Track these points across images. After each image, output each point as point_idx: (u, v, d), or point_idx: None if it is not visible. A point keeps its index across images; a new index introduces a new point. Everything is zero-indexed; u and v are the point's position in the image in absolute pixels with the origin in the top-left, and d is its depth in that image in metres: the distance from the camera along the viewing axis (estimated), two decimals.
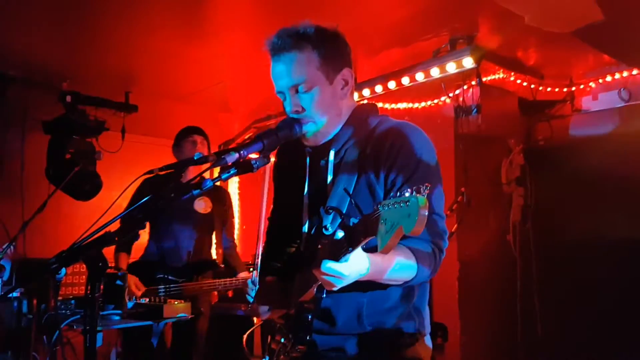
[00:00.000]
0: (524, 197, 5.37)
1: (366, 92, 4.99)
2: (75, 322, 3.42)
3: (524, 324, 5.21)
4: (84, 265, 1.65)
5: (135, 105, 5.53)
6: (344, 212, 1.79)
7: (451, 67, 4.41)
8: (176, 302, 3.77)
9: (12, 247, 3.71)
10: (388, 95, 5.05)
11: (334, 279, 1.56)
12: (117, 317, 3.61)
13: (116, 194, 1.98)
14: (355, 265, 1.57)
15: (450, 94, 4.91)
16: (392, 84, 4.79)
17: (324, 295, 1.78)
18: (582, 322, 4.75)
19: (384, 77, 4.83)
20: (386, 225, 1.35)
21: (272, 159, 2.05)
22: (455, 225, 4.32)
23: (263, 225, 4.02)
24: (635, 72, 4.94)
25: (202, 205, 4.28)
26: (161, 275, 4.06)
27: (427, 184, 1.33)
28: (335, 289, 1.61)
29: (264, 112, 5.84)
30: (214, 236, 4.39)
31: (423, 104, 5.25)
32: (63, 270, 3.71)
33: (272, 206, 2.32)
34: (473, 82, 4.75)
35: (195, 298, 4.00)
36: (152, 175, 1.80)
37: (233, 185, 6.97)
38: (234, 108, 6.45)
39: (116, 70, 5.17)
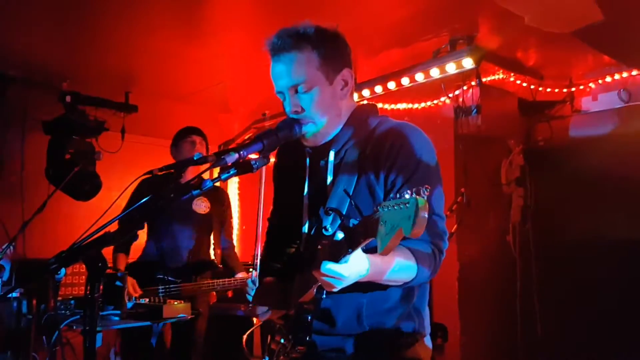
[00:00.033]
0: (524, 197, 5.37)
1: (366, 92, 4.99)
2: (74, 322, 3.42)
3: (524, 324, 5.21)
4: (84, 266, 1.64)
5: (135, 106, 5.53)
6: (343, 213, 1.79)
7: (451, 68, 4.40)
8: (176, 303, 3.77)
9: (11, 247, 3.71)
10: (388, 96, 5.05)
11: (334, 280, 1.56)
12: (117, 318, 3.61)
13: (116, 194, 1.97)
14: (355, 266, 1.57)
15: (450, 95, 4.91)
16: (391, 85, 4.79)
17: (324, 296, 1.78)
18: (581, 323, 4.75)
19: (384, 78, 4.82)
20: (386, 226, 1.35)
21: (272, 160, 2.05)
22: (455, 226, 4.32)
23: (261, 226, 4.03)
24: (635, 72, 4.94)
25: (201, 206, 4.28)
26: (161, 276, 4.05)
27: (427, 186, 1.33)
28: (335, 290, 1.61)
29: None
30: (212, 237, 4.40)
31: (423, 104, 5.25)
32: (63, 270, 3.71)
33: (272, 207, 2.32)
34: (473, 83, 4.75)
35: (193, 298, 4.00)
36: (150, 175, 1.80)
37: (233, 186, 6.98)
38: (234, 108, 6.45)
39: (116, 71, 5.17)
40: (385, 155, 1.86)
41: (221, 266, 4.34)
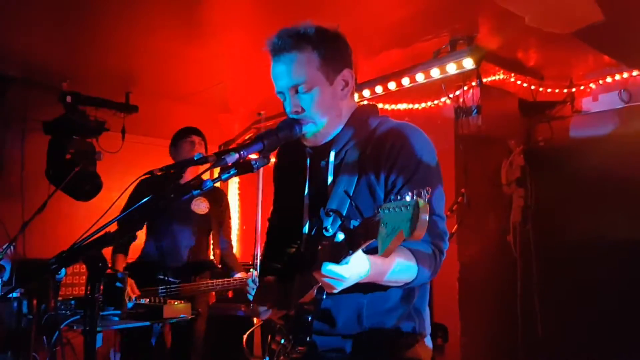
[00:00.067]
0: (524, 198, 5.37)
1: (366, 92, 4.98)
2: (75, 322, 3.41)
3: (524, 324, 5.21)
4: (84, 266, 1.64)
5: (135, 106, 5.53)
6: (344, 213, 1.79)
7: (451, 68, 4.40)
8: (176, 303, 3.77)
9: (12, 247, 3.71)
10: (388, 96, 5.05)
11: (335, 281, 1.56)
12: (117, 318, 3.60)
13: (116, 194, 1.98)
14: (356, 267, 1.56)
15: (451, 95, 4.91)
16: (392, 85, 4.79)
17: (324, 297, 1.77)
18: (582, 323, 4.75)
19: (384, 78, 4.82)
20: (387, 228, 1.35)
21: (272, 160, 2.05)
22: (456, 226, 4.31)
23: (260, 226, 4.03)
24: (635, 73, 4.94)
25: (200, 206, 4.28)
26: (162, 277, 4.06)
27: (428, 188, 1.32)
28: (335, 291, 1.61)
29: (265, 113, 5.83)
30: (210, 237, 4.40)
31: (423, 104, 5.25)
32: (63, 270, 3.71)
33: (272, 207, 2.32)
34: (473, 83, 4.75)
35: (192, 299, 4.00)
36: (150, 175, 1.80)
37: (233, 186, 6.98)
38: (234, 108, 6.45)
39: (116, 71, 5.17)
40: (385, 156, 1.86)
41: (220, 266, 4.34)
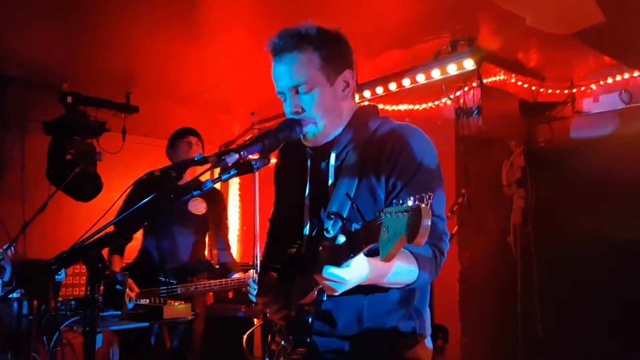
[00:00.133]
0: (525, 198, 5.36)
1: (367, 93, 4.98)
2: (75, 323, 3.41)
3: (525, 325, 5.21)
4: (84, 266, 1.64)
5: (136, 107, 5.53)
6: (344, 215, 1.78)
7: (452, 69, 4.40)
8: (176, 304, 3.77)
9: (12, 248, 3.71)
10: (389, 97, 5.05)
11: (336, 284, 1.56)
12: (117, 319, 3.60)
13: (116, 195, 1.98)
14: (357, 270, 1.57)
15: (451, 96, 4.91)
16: (392, 86, 4.79)
17: (325, 298, 1.77)
18: (582, 323, 4.75)
19: (385, 79, 4.82)
20: (388, 233, 1.34)
21: (273, 160, 2.05)
22: (456, 227, 4.31)
23: (259, 227, 4.04)
24: (636, 74, 4.93)
25: (198, 207, 4.27)
26: (163, 279, 4.06)
27: (430, 193, 1.32)
28: (336, 294, 1.61)
29: (264, 114, 5.83)
30: (207, 237, 4.40)
31: (424, 105, 5.25)
32: (63, 271, 3.71)
33: (273, 207, 2.32)
34: (474, 84, 4.74)
35: (190, 299, 4.00)
36: (150, 176, 1.80)
37: (233, 187, 6.98)
38: (234, 109, 6.45)
39: (117, 71, 5.17)
40: (386, 158, 1.86)
41: (218, 267, 4.34)
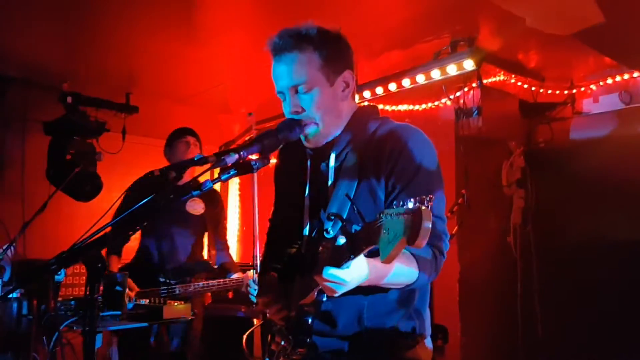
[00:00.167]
0: (525, 199, 5.36)
1: (367, 94, 4.98)
2: (75, 323, 3.41)
3: (525, 325, 5.21)
4: (84, 266, 1.64)
5: (136, 107, 5.53)
6: (344, 216, 1.78)
7: (452, 69, 4.40)
8: (176, 304, 3.77)
9: (12, 248, 3.71)
10: (389, 97, 5.05)
11: (336, 285, 1.56)
12: (116, 319, 3.60)
13: (116, 195, 1.98)
14: (357, 271, 1.57)
15: (451, 96, 4.91)
16: (392, 86, 4.79)
17: (325, 299, 1.77)
18: (582, 324, 4.75)
19: (385, 79, 4.82)
20: (389, 235, 1.34)
21: (273, 160, 2.05)
22: (456, 228, 4.31)
23: (258, 227, 4.04)
24: (636, 74, 4.94)
25: (195, 207, 4.27)
26: (163, 279, 4.05)
27: (430, 195, 1.32)
28: (336, 295, 1.61)
29: (264, 114, 5.83)
30: (205, 238, 4.40)
31: (424, 106, 5.25)
32: (63, 271, 3.71)
33: (273, 207, 2.32)
34: (474, 84, 4.74)
35: (189, 299, 3.99)
36: (150, 176, 1.80)
37: (233, 187, 6.97)
38: (234, 109, 6.45)
39: (117, 71, 5.17)
40: (386, 159, 1.86)
41: (216, 267, 4.34)
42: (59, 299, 3.58)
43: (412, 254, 1.75)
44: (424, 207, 1.29)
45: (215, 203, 4.43)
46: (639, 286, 4.46)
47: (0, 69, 4.93)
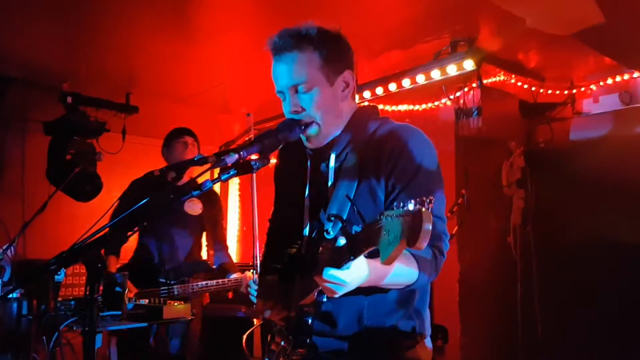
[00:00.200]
0: (525, 199, 5.36)
1: (367, 94, 4.98)
2: (74, 323, 3.41)
3: (525, 325, 5.20)
4: (84, 266, 1.64)
5: (135, 107, 5.53)
6: (344, 217, 1.78)
7: (452, 70, 4.40)
8: (176, 304, 3.77)
9: (12, 248, 3.71)
10: (389, 97, 5.05)
11: (336, 286, 1.56)
12: (116, 319, 3.60)
13: (116, 195, 1.98)
14: (356, 272, 1.57)
15: (451, 96, 4.91)
16: (392, 86, 4.79)
17: (325, 300, 1.78)
18: (582, 324, 4.75)
19: (385, 79, 4.82)
20: (389, 236, 1.33)
21: (273, 160, 2.05)
22: (456, 228, 4.31)
23: (257, 228, 4.04)
24: (636, 74, 4.94)
25: (193, 208, 4.27)
26: (159, 279, 4.05)
27: (430, 197, 1.32)
28: (336, 296, 1.61)
29: (264, 114, 5.84)
30: (204, 239, 4.40)
31: (424, 106, 5.26)
32: (63, 271, 3.71)
33: (273, 207, 2.32)
34: (474, 85, 4.75)
35: (187, 299, 3.99)
36: (150, 176, 1.80)
37: (233, 187, 6.97)
38: (235, 109, 6.45)
39: (117, 72, 5.17)
40: (386, 159, 1.86)
41: (215, 267, 4.33)
42: (59, 299, 3.57)
43: (412, 254, 1.75)
44: (424, 209, 1.29)
45: (213, 203, 4.43)
46: (639, 286, 4.46)
47: (0, 69, 4.93)
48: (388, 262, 1.35)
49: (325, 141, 1.96)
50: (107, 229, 1.69)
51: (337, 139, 1.96)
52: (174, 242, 4.19)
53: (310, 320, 1.81)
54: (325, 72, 1.89)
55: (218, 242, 4.41)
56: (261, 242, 3.83)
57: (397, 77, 4.74)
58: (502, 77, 5.10)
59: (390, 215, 1.34)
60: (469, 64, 4.31)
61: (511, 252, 5.30)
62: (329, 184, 1.93)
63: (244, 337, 2.34)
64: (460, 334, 4.69)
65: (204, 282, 4.11)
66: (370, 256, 1.56)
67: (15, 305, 3.49)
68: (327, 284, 1.56)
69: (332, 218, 1.78)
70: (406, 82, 4.69)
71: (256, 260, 4.00)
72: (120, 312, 3.59)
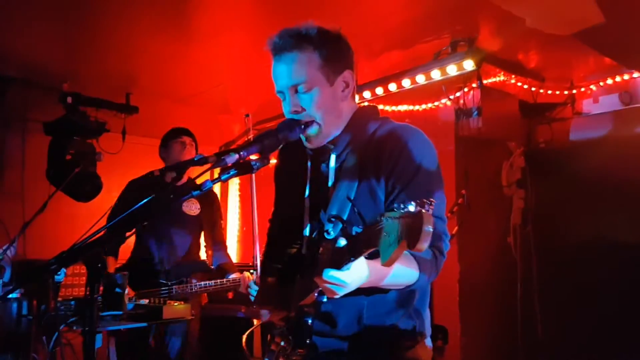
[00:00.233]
0: (525, 199, 5.37)
1: (367, 94, 4.98)
2: (74, 323, 3.41)
3: (525, 326, 5.21)
4: (84, 267, 1.64)
5: (135, 107, 5.52)
6: (345, 218, 1.78)
7: (452, 70, 4.40)
8: (176, 304, 3.77)
9: (12, 248, 3.71)
10: (389, 98, 5.05)
11: (336, 287, 1.56)
12: (116, 319, 3.60)
13: (116, 195, 1.98)
14: (356, 273, 1.57)
15: (451, 97, 4.91)
16: (392, 86, 4.79)
17: (325, 300, 1.78)
18: (582, 324, 4.75)
19: (385, 79, 4.82)
20: (389, 238, 1.33)
21: (273, 161, 2.05)
22: (456, 228, 4.31)
23: (257, 228, 4.04)
24: (636, 74, 4.94)
25: (191, 208, 4.27)
26: (159, 280, 4.05)
27: (431, 199, 1.32)
28: (336, 297, 1.61)
29: (264, 114, 5.84)
30: (202, 239, 4.40)
31: (424, 106, 5.25)
32: (63, 271, 3.71)
33: (273, 207, 2.32)
34: (474, 85, 4.75)
35: (185, 300, 3.99)
36: (150, 176, 1.80)
37: (233, 187, 6.97)
38: (235, 109, 6.45)
39: (117, 72, 5.16)
40: (386, 160, 1.86)
41: (213, 267, 4.33)
42: (59, 299, 3.57)
43: (412, 254, 1.74)
44: (424, 211, 1.29)
45: (211, 203, 4.42)
46: (639, 287, 4.46)
47: (0, 69, 4.93)
48: (388, 263, 1.35)
49: (325, 141, 1.96)
50: (106, 230, 1.69)
51: (337, 139, 1.96)
52: (172, 242, 4.18)
53: (310, 321, 1.81)
54: (325, 72, 1.88)
55: (217, 242, 4.40)
56: (261, 242, 3.83)
57: (397, 77, 4.74)
58: (502, 77, 5.11)
59: (391, 217, 1.34)
60: (469, 64, 4.31)
61: (511, 252, 5.30)
62: (330, 184, 1.93)
63: (244, 337, 2.34)
64: (460, 334, 4.69)
65: (202, 282, 4.11)
66: (370, 257, 1.56)
67: (15, 305, 3.49)
68: (327, 285, 1.56)
69: (333, 219, 1.79)
70: (406, 82, 4.69)
71: (256, 260, 4.00)
72: (121, 312, 3.59)
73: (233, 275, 4.18)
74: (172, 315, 3.70)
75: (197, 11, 4.03)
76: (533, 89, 5.29)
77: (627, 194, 4.58)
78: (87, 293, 1.63)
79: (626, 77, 5.02)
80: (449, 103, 5.00)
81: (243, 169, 1.74)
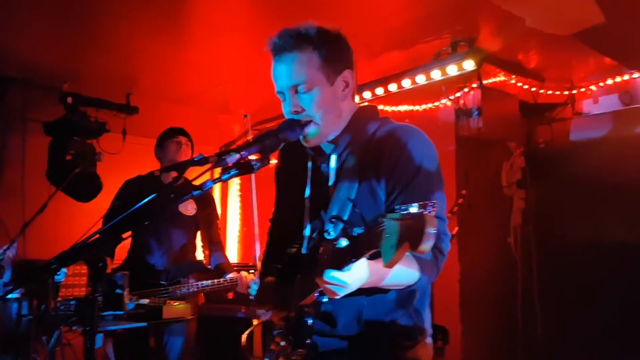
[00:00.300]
0: (525, 199, 5.37)
1: (367, 94, 4.98)
2: (74, 323, 3.41)
3: (525, 326, 5.21)
4: (84, 267, 1.65)
5: (136, 107, 5.52)
6: (345, 218, 1.78)
7: (452, 70, 4.40)
8: (176, 304, 3.76)
9: (12, 248, 3.71)
10: (389, 98, 5.05)
11: (337, 287, 1.56)
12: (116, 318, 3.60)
13: None
14: (357, 274, 1.57)
15: (451, 97, 4.91)
16: (392, 87, 4.79)
17: (325, 300, 1.78)
18: (582, 325, 4.75)
19: (385, 80, 4.82)
20: (391, 239, 1.32)
21: (273, 161, 2.05)
22: (456, 228, 4.31)
23: (257, 228, 4.04)
24: (636, 75, 4.94)
25: (188, 208, 4.26)
26: (156, 280, 4.04)
27: (434, 201, 1.31)
28: (337, 297, 1.61)
29: (264, 114, 5.83)
30: (198, 239, 4.39)
31: (424, 106, 5.25)
32: (63, 271, 3.71)
33: (274, 207, 2.32)
34: (474, 85, 4.75)
35: (182, 300, 3.98)
36: (150, 177, 1.80)
37: (234, 187, 6.97)
38: (235, 110, 6.45)
39: (117, 72, 5.16)
40: (386, 160, 1.86)
41: (210, 267, 4.32)
42: (59, 299, 3.57)
43: (412, 255, 1.74)
44: (426, 213, 1.29)
45: (207, 203, 4.41)
46: (639, 287, 4.46)
47: (0, 69, 4.93)
48: (390, 265, 1.35)
49: (325, 141, 1.96)
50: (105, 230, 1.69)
51: (338, 139, 1.96)
52: (168, 242, 4.17)
53: (310, 321, 1.81)
54: (325, 72, 1.88)
55: (214, 242, 4.38)
56: (261, 242, 3.83)
57: (397, 77, 4.74)
58: (502, 78, 5.11)
59: (393, 218, 1.33)
60: (469, 64, 4.31)
61: (511, 252, 5.30)
62: (330, 184, 1.93)
63: (244, 337, 2.34)
64: (460, 334, 4.69)
65: (199, 282, 4.10)
66: (370, 257, 1.56)
67: (15, 305, 3.50)
68: (328, 286, 1.56)
69: (333, 219, 1.79)
70: (406, 83, 4.69)
71: (257, 260, 3.99)
72: (122, 312, 3.58)
73: (230, 275, 4.17)
74: (172, 315, 3.69)
75: (197, 12, 4.03)
76: (533, 89, 5.30)
77: (627, 194, 4.58)
78: (89, 292, 1.62)
79: (626, 77, 5.02)
80: (449, 103, 5.00)
81: (244, 168, 1.74)
